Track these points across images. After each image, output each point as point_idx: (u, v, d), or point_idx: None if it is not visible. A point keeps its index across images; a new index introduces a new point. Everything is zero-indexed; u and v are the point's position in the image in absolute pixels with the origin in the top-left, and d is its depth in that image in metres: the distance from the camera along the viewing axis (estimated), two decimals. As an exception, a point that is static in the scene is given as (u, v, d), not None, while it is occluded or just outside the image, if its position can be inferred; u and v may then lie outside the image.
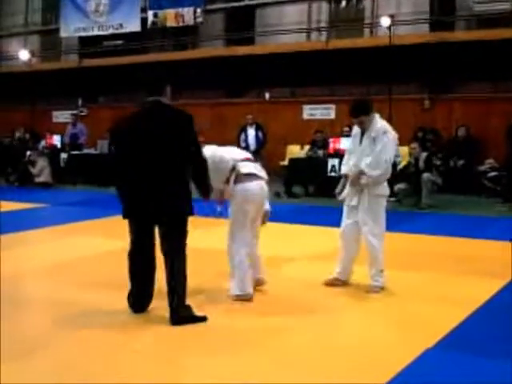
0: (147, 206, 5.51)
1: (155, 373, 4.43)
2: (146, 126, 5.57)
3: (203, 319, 5.49)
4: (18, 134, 19.53)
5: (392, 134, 6.56)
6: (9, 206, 13.14)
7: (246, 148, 16.65)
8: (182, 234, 5.61)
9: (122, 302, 5.77)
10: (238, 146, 16.82)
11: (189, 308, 5.52)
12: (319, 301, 6.28)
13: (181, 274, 5.53)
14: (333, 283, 6.70)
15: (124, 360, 4.71)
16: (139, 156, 5.50)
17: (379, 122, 6.58)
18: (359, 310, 6.11)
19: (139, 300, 5.75)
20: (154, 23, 20.51)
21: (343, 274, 6.74)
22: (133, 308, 5.74)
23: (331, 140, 14.67)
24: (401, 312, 5.89)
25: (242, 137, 16.96)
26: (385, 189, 6.68)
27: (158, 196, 5.47)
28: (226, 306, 6.03)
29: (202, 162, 5.76)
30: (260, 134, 16.76)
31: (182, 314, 5.44)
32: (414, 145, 13.28)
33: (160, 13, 20.37)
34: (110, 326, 5.40)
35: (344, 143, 14.22)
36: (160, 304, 5.66)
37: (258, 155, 16.57)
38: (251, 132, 16.85)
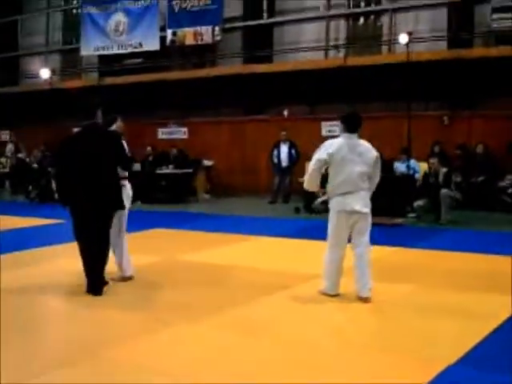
0: (82, 203, 7.01)
1: None
2: (83, 143, 7.11)
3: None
4: (38, 153, 19.70)
5: (320, 150, 6.75)
6: (29, 222, 13.32)
7: (279, 164, 16.83)
8: (107, 222, 7.11)
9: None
10: (271, 161, 17.09)
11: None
12: (337, 316, 6.35)
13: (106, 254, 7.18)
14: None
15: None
16: (77, 163, 7.00)
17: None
18: (377, 324, 6.12)
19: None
20: (172, 42, 20.65)
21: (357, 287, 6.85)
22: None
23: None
24: (421, 328, 5.86)
25: (275, 153, 17.15)
26: (332, 204, 6.79)
27: (90, 194, 6.95)
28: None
29: (129, 166, 7.68)
30: (293, 151, 16.96)
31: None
32: (433, 160, 13.27)
33: (179, 31, 20.50)
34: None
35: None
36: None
37: (288, 171, 16.77)
38: (284, 149, 17.10)
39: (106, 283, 7.18)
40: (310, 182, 6.81)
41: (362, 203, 6.66)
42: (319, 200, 12.30)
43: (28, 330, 5.94)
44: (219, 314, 6.32)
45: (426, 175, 13.37)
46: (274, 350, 5.24)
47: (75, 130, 7.79)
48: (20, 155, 20.47)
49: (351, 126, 6.76)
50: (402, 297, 7.02)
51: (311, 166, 6.71)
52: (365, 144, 6.80)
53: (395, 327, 5.94)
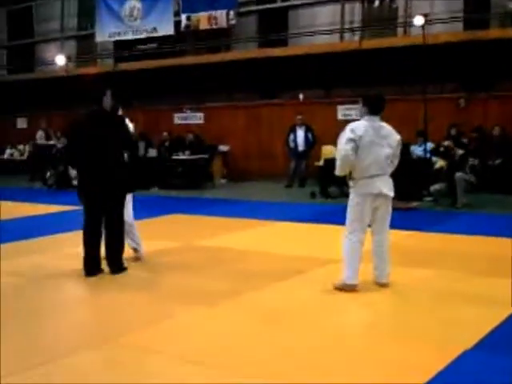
0: (93, 186, 7.16)
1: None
2: (90, 126, 7.23)
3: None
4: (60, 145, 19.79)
5: (345, 132, 6.55)
6: (47, 208, 13.44)
7: (295, 148, 16.83)
8: (120, 206, 7.27)
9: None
10: (287, 145, 17.08)
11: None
12: (354, 301, 6.35)
13: (122, 239, 7.36)
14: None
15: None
16: (86, 147, 7.15)
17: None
18: (394, 309, 6.14)
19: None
20: (187, 26, 20.63)
21: (376, 274, 6.81)
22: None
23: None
24: (437, 313, 5.88)
25: (291, 137, 17.15)
26: (356, 186, 6.55)
27: (100, 177, 7.12)
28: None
29: (135, 150, 7.66)
30: (309, 135, 16.96)
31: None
32: (448, 142, 13.22)
33: (193, 16, 20.47)
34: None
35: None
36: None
37: (305, 156, 16.77)
38: (300, 133, 17.12)
39: (124, 269, 7.36)
40: (343, 165, 6.49)
41: (388, 187, 6.59)
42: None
43: (46, 314, 6.04)
44: (236, 298, 6.38)
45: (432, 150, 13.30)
46: (291, 336, 5.27)
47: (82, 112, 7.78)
48: (52, 142, 20.47)
49: (375, 108, 6.60)
50: (418, 281, 7.01)
51: (343, 149, 6.43)
52: (387, 127, 6.68)
53: (412, 312, 5.94)
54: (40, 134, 21.16)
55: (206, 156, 17.95)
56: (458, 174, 12.48)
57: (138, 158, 7.61)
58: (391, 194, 6.62)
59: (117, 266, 7.31)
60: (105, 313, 6.13)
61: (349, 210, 6.59)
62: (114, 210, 7.27)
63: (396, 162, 6.80)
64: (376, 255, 6.70)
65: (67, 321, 5.92)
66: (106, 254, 7.37)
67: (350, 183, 6.59)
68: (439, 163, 13.40)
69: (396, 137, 6.72)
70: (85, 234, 7.32)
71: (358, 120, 6.72)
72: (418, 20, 15.20)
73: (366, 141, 6.43)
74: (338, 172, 6.63)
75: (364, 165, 6.45)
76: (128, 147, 7.41)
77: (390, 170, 6.72)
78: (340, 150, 6.49)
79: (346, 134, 6.45)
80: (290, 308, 6.12)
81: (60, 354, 4.88)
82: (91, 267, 7.28)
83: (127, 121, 7.74)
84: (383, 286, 6.67)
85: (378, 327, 5.56)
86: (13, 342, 5.19)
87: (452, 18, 16.68)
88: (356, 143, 6.39)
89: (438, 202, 12.84)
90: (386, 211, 6.63)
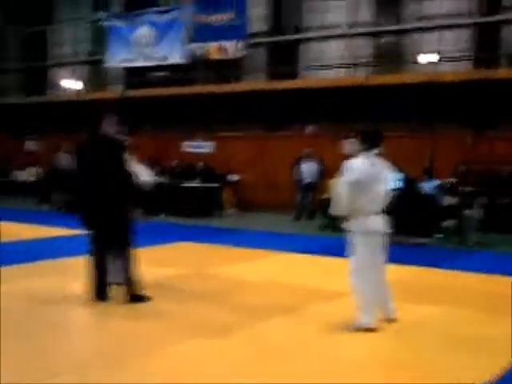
0: (95, 216, 7.13)
1: None
2: (90, 151, 7.29)
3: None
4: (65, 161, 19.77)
5: (347, 172, 6.39)
6: (55, 231, 13.49)
7: (301, 180, 16.85)
8: (124, 237, 7.11)
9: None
10: (293, 177, 17.07)
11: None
12: (359, 338, 6.27)
13: (129, 266, 7.12)
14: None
15: None
16: (86, 171, 7.19)
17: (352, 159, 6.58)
18: (397, 347, 6.13)
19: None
20: (197, 56, 20.85)
21: (382, 311, 6.72)
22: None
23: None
24: (439, 354, 5.80)
25: (297, 169, 17.11)
26: (359, 225, 6.39)
27: (100, 206, 7.06)
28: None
29: (126, 179, 7.19)
30: (315, 168, 16.96)
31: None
32: (453, 179, 13.29)
33: (204, 45, 20.71)
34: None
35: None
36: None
37: (311, 188, 16.77)
38: (306, 165, 17.11)
39: (142, 298, 7.27)
40: (342, 206, 6.40)
41: (385, 223, 6.52)
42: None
43: (48, 337, 6.08)
44: (239, 331, 6.34)
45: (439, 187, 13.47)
46: (295, 373, 5.26)
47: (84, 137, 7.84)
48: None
49: (373, 143, 6.52)
50: (424, 319, 6.99)
51: (343, 190, 6.33)
52: (382, 162, 6.57)
53: (414, 353, 5.83)
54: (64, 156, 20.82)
55: (216, 185, 18.02)
56: (468, 212, 12.55)
57: (130, 186, 7.30)
58: (388, 230, 6.55)
59: (131, 296, 7.20)
60: (106, 339, 6.14)
61: (356, 249, 6.43)
62: (117, 237, 7.20)
63: (389, 198, 6.68)
64: (380, 292, 6.57)
65: (68, 344, 5.95)
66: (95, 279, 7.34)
67: (347, 222, 6.48)
68: (448, 200, 13.48)
69: (389, 173, 6.69)
70: (91, 260, 7.32)
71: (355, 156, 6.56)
72: (426, 58, 15.36)
73: (365, 179, 6.33)
74: (334, 212, 6.57)
75: (363, 203, 6.36)
76: (120, 175, 7.20)
77: (384, 206, 6.59)
78: (340, 191, 6.39)
79: (349, 174, 6.34)
80: (295, 343, 6.05)
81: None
82: (97, 293, 7.25)
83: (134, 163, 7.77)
84: (393, 321, 6.63)
85: (378, 366, 5.51)
86: (16, 359, 5.27)
87: (461, 56, 16.88)
88: (356, 183, 6.30)
89: (448, 238, 12.88)
90: (383, 248, 6.54)
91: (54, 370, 5.06)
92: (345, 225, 6.54)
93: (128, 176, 7.19)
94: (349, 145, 18.01)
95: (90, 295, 7.22)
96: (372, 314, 6.36)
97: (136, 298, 7.20)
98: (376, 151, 6.51)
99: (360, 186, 6.31)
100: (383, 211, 6.53)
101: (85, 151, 7.36)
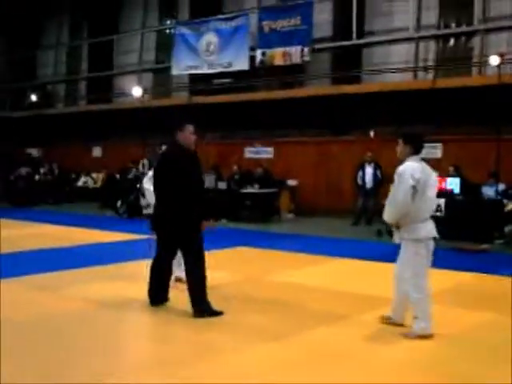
0: (164, 222, 7.15)
1: None
2: (165, 161, 7.30)
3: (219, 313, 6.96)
4: (131, 175, 20.00)
5: (404, 178, 6.18)
6: (117, 236, 13.72)
7: (363, 185, 16.74)
8: (193, 243, 7.06)
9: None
10: (355, 182, 16.98)
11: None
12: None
13: (196, 276, 7.03)
14: (384, 321, 6.68)
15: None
16: (161, 182, 7.21)
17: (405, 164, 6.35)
18: (446, 355, 5.99)
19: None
20: (261, 62, 20.89)
21: (395, 314, 6.64)
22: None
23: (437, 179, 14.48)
24: (488, 361, 5.72)
25: (360, 174, 17.03)
26: (412, 233, 6.27)
27: (169, 214, 7.05)
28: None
29: (201, 190, 7.20)
30: (378, 173, 16.81)
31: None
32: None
33: (268, 51, 20.73)
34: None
35: (450, 183, 14.10)
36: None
37: (373, 193, 16.62)
38: (369, 170, 16.99)
39: (206, 311, 7.02)
40: (399, 213, 6.23)
41: (434, 229, 6.40)
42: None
43: (107, 341, 6.15)
44: (294, 336, 6.34)
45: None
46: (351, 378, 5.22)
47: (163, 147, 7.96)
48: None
49: (420, 146, 6.43)
50: (477, 325, 6.87)
51: (403, 197, 6.14)
52: (428, 166, 6.47)
53: (464, 360, 5.75)
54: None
55: (274, 190, 18.04)
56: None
57: (202, 196, 7.29)
58: (436, 234, 6.42)
59: (196, 309, 6.99)
60: (158, 344, 6.21)
61: (411, 257, 6.29)
62: (187, 247, 7.14)
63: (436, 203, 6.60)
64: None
65: (117, 347, 6.05)
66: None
67: (399, 229, 6.33)
68: (510, 205, 13.11)
69: (436, 177, 6.60)
70: (153, 264, 7.38)
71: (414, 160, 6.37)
72: (494, 59, 15.02)
73: (422, 184, 6.22)
74: (390, 219, 6.38)
75: (419, 209, 6.24)
76: (195, 186, 7.14)
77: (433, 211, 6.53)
78: (398, 197, 6.18)
79: (407, 180, 6.14)
80: (350, 349, 6.04)
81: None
82: (154, 297, 7.35)
83: None
84: (401, 325, 6.56)
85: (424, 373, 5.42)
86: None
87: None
88: (416, 189, 6.17)
89: (510, 244, 12.55)
90: (431, 254, 6.44)
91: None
92: (396, 231, 6.41)
93: (202, 186, 7.29)
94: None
95: (149, 297, 7.35)
96: (428, 321, 6.24)
97: (204, 312, 6.98)
98: (422, 155, 6.40)
99: (416, 192, 6.18)
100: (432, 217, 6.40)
101: (164, 161, 7.32)
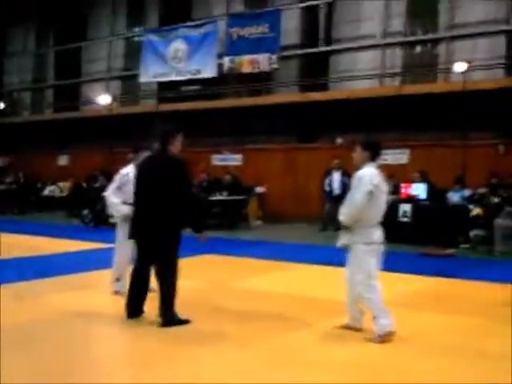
0: (143, 230, 6.96)
1: None
2: (149, 167, 7.06)
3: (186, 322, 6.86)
4: (97, 184, 19.82)
5: (364, 182, 6.32)
6: (83, 245, 13.59)
7: (330, 192, 16.74)
8: (171, 251, 6.89)
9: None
10: (322, 189, 16.97)
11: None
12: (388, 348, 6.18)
13: (169, 285, 6.85)
14: (345, 328, 6.68)
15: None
16: (143, 189, 6.99)
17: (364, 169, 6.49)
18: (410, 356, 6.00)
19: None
20: (230, 69, 20.89)
21: (353, 320, 6.67)
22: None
23: (403, 185, 14.59)
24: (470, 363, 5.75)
25: (327, 181, 17.01)
26: (365, 236, 6.40)
27: (149, 222, 6.85)
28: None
29: (192, 199, 7.17)
30: (345, 180, 16.79)
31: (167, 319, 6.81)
32: (483, 190, 13.10)
33: (236, 59, 20.74)
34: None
35: (416, 189, 14.19)
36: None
37: (340, 200, 16.58)
38: (336, 177, 16.93)
39: (176, 322, 6.87)
40: (357, 216, 6.33)
41: (382, 234, 6.57)
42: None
43: (69, 350, 6.06)
44: (263, 342, 6.33)
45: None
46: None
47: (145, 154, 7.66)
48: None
49: (377, 153, 6.59)
50: (442, 328, 6.96)
51: (361, 200, 6.26)
52: (381, 173, 6.60)
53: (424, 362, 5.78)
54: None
55: (242, 197, 18.02)
56: (497, 221, 12.32)
57: (194, 205, 7.25)
58: (383, 240, 6.58)
59: (165, 319, 6.81)
60: (125, 353, 6.17)
61: (362, 260, 6.40)
62: (161, 256, 6.93)
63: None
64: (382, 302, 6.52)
65: (85, 359, 5.95)
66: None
67: (350, 231, 6.42)
68: (476, 210, 13.23)
69: (387, 184, 6.71)
70: (132, 274, 7.15)
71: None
72: (459, 66, 15.17)
73: (378, 189, 6.37)
74: (346, 220, 6.43)
75: (372, 213, 6.40)
76: (185, 195, 6.94)
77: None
78: (356, 200, 6.31)
79: (366, 184, 6.28)
80: (321, 353, 6.03)
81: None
82: (132, 310, 7.07)
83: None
84: (358, 330, 6.59)
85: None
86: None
87: (494, 64, 16.60)
88: (373, 194, 6.30)
89: (475, 249, 12.66)
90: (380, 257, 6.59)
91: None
92: (343, 237, 6.51)
93: (192, 194, 7.25)
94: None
95: (126, 310, 7.07)
96: (389, 319, 6.33)
97: (172, 321, 6.84)
98: (377, 162, 6.54)
99: (373, 197, 6.31)
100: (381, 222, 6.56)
101: (150, 168, 7.04)
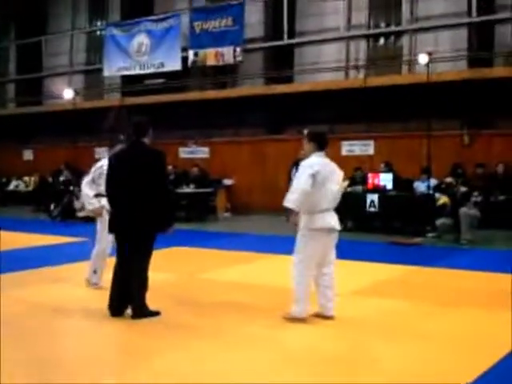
0: (121, 224, 6.86)
1: None
2: (127, 159, 6.93)
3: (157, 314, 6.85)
4: (62, 178, 19.66)
5: (304, 167, 6.56)
6: (51, 239, 13.48)
7: None
8: (148, 243, 6.87)
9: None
10: (289, 180, 17.00)
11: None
12: (371, 338, 6.24)
13: (143, 277, 6.83)
14: (316, 316, 6.83)
15: None
16: (122, 181, 6.84)
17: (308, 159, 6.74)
18: (410, 345, 6.09)
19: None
20: (194, 62, 20.81)
21: (321, 307, 6.83)
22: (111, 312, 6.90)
23: (370, 175, 14.73)
24: (447, 348, 5.84)
25: (294, 172, 17.03)
26: (308, 222, 6.62)
27: (128, 215, 6.76)
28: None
29: (165, 193, 6.98)
30: None
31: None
32: (450, 179, 13.26)
33: (200, 52, 20.67)
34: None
35: (383, 179, 14.34)
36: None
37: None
38: None
39: (148, 314, 6.89)
40: (300, 200, 6.47)
41: (336, 220, 6.75)
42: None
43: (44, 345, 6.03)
44: (234, 332, 6.38)
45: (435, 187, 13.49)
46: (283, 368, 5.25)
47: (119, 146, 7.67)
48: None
49: (323, 144, 6.79)
50: (415, 316, 7.06)
51: (303, 184, 6.45)
52: (333, 163, 6.84)
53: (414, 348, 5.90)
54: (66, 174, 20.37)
55: (210, 190, 18.03)
56: (463, 210, 12.49)
57: (168, 198, 7.09)
58: (338, 227, 6.77)
59: (136, 311, 6.81)
60: (95, 347, 6.14)
61: (302, 245, 6.65)
62: (138, 249, 6.86)
63: (339, 198, 6.87)
64: (324, 287, 6.76)
65: (64, 353, 5.95)
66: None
67: (297, 218, 6.60)
68: (442, 199, 13.41)
69: (341, 173, 6.90)
70: (114, 270, 7.04)
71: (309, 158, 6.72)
72: (423, 58, 15.33)
73: (321, 176, 6.56)
74: (291, 205, 6.53)
75: (317, 199, 6.57)
76: (159, 188, 6.87)
77: (335, 205, 6.81)
78: (299, 185, 6.51)
79: (306, 169, 6.52)
80: (286, 341, 6.12)
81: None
82: (117, 307, 6.91)
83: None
84: (329, 318, 6.74)
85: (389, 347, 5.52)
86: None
87: (456, 56, 16.81)
88: (314, 178, 6.50)
89: (442, 237, 12.84)
90: (334, 243, 6.80)
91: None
92: (294, 220, 6.67)
93: (167, 186, 7.18)
94: (347, 146, 18.02)
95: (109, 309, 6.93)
96: (303, 307, 6.62)
97: (143, 313, 6.84)
98: (324, 151, 6.77)
99: (317, 183, 6.52)
100: (333, 209, 6.76)
101: (120, 160, 7.00)
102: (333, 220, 6.69)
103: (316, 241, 6.60)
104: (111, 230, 7.10)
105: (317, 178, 6.50)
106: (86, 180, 8.55)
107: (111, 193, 7.02)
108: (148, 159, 6.89)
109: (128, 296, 6.86)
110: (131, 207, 6.76)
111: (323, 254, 6.68)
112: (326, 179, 6.59)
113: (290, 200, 6.52)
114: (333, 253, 6.81)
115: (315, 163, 6.59)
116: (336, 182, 6.75)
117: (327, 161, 6.76)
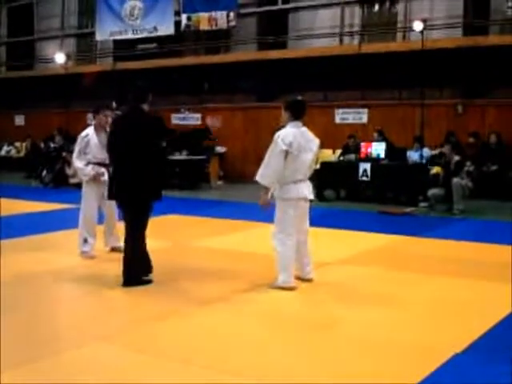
0: (121, 190, 6.86)
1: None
2: (127, 125, 6.91)
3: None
4: (54, 144, 19.50)
5: (277, 142, 6.57)
6: (43, 206, 13.46)
7: None
8: (146, 211, 6.87)
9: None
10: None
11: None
12: (348, 304, 6.32)
13: (138, 244, 6.84)
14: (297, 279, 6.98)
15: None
16: (120, 147, 6.85)
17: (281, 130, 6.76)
18: (388, 312, 6.14)
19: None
20: (187, 26, 20.60)
21: (299, 271, 7.03)
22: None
23: (363, 144, 14.70)
24: (431, 316, 5.91)
25: None
26: (283, 192, 6.74)
27: (129, 182, 6.76)
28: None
29: (163, 161, 7.05)
30: None
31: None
32: (446, 148, 13.22)
33: (193, 16, 20.44)
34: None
35: (375, 148, 14.32)
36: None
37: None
38: None
39: (139, 282, 6.91)
40: (272, 176, 6.59)
41: (310, 190, 6.86)
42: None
43: (40, 313, 6.05)
44: (227, 301, 6.42)
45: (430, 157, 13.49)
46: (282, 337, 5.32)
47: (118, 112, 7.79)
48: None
49: (299, 113, 6.77)
50: (401, 284, 7.16)
51: (275, 160, 6.53)
52: (309, 131, 6.84)
53: (402, 314, 5.97)
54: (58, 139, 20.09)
55: (203, 157, 17.96)
56: (455, 180, 12.49)
57: (163, 165, 7.27)
58: (311, 197, 6.89)
59: (129, 277, 6.85)
60: (94, 314, 6.16)
61: (280, 215, 6.75)
62: (135, 216, 6.88)
63: (313, 167, 6.97)
64: (301, 253, 6.91)
65: (64, 319, 6.00)
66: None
67: (272, 188, 6.72)
68: (435, 169, 13.41)
69: (317, 141, 6.90)
70: (125, 239, 7.06)
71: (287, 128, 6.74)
72: (417, 25, 15.21)
73: (294, 148, 6.58)
74: (264, 181, 6.68)
75: (291, 171, 6.63)
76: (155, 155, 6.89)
77: (310, 174, 6.89)
78: (271, 162, 6.58)
79: (278, 144, 6.54)
80: (282, 308, 6.19)
81: (54, 351, 4.94)
82: (127, 276, 6.89)
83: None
84: (309, 281, 6.96)
85: (369, 325, 5.57)
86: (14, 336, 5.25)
87: (451, 23, 16.69)
88: (287, 152, 6.54)
89: (434, 207, 12.87)
90: (307, 212, 6.92)
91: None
92: (264, 195, 6.76)
93: (162, 155, 7.25)
94: (340, 114, 17.96)
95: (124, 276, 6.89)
96: (289, 275, 6.73)
97: (134, 281, 6.86)
98: (301, 120, 6.77)
99: (290, 154, 6.56)
100: (307, 179, 6.86)
101: (120, 125, 7.03)
102: (306, 190, 6.78)
103: (296, 209, 6.71)
104: (110, 196, 7.14)
105: (290, 151, 6.53)
106: (75, 153, 8.57)
107: (114, 159, 7.04)
108: (150, 126, 6.92)
109: (143, 267, 6.94)
110: (132, 174, 6.75)
111: (298, 222, 6.78)
112: (300, 150, 6.62)
113: (263, 176, 6.65)
114: (306, 221, 6.94)
115: (288, 134, 6.60)
116: (311, 151, 6.76)
117: (303, 129, 6.77)
